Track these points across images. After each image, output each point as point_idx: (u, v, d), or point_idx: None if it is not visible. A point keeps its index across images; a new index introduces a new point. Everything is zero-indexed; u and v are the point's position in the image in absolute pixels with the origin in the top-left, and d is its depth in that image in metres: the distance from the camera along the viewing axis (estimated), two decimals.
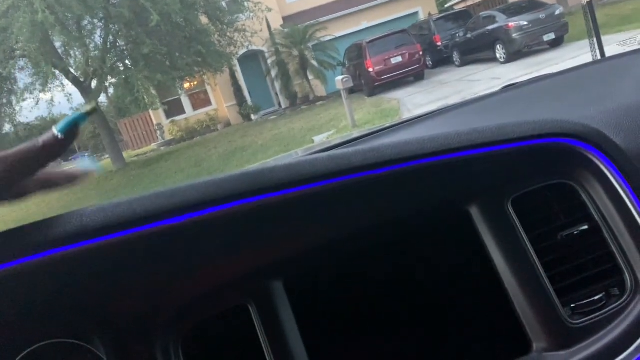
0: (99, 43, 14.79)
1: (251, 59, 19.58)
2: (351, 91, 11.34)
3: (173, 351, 0.75)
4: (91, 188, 13.72)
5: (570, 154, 0.77)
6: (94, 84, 15.18)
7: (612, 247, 0.77)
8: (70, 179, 0.61)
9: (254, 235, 0.73)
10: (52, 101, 14.76)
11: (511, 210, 0.79)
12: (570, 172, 0.79)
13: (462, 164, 0.74)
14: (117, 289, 0.70)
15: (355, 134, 2.04)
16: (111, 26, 14.50)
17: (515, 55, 12.36)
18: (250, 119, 18.62)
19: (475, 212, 0.80)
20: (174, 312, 0.75)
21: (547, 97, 1.21)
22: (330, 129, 10.91)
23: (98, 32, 14.81)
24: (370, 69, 14.64)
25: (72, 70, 14.91)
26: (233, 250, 0.73)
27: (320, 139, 9.93)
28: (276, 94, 20.02)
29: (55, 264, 0.61)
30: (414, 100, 11.44)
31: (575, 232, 0.77)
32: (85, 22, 14.37)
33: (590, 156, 0.76)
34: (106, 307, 0.72)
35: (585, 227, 0.77)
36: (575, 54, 9.91)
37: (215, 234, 0.69)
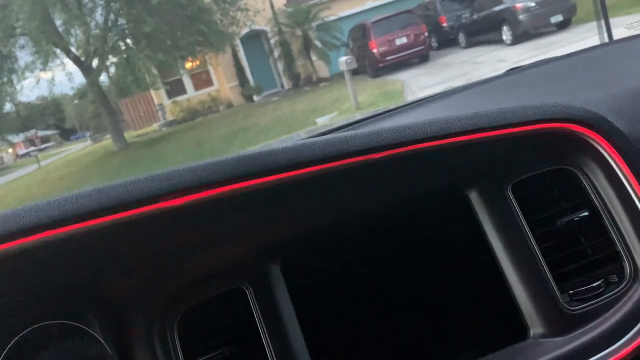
0: (100, 21, 14.67)
1: (254, 39, 19.40)
2: (355, 72, 11.23)
3: (169, 333, 0.75)
4: (93, 169, 13.76)
5: (572, 139, 0.76)
6: (94, 63, 15.10)
7: (612, 233, 0.76)
8: None
9: (252, 218, 0.72)
10: (53, 80, 14.74)
11: (511, 196, 0.78)
12: (572, 158, 0.78)
13: (463, 148, 0.73)
14: (113, 271, 0.70)
15: (358, 116, 2.02)
16: (112, 4, 14.37)
17: (521, 37, 12.20)
18: (252, 100, 18.51)
19: (474, 196, 0.80)
20: (170, 295, 0.75)
21: (552, 80, 1.20)
22: (333, 111, 10.86)
23: (99, 10, 14.69)
24: (375, 50, 14.50)
25: (73, 49, 14.82)
26: (230, 233, 0.73)
27: (323, 121, 9.89)
28: (279, 74, 19.88)
29: (52, 245, 0.60)
30: (419, 82, 11.36)
31: (575, 219, 0.77)
32: (86, 0, 14.24)
33: (593, 142, 0.75)
34: (103, 288, 0.72)
35: (586, 213, 0.77)
36: (583, 37, 9.78)
37: (212, 217, 0.69)
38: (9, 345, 0.68)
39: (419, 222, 0.81)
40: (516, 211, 0.78)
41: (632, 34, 1.46)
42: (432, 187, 0.80)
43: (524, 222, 0.77)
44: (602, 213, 0.77)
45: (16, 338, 0.68)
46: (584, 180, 0.78)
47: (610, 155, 0.74)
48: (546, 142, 0.77)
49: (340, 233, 0.80)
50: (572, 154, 0.78)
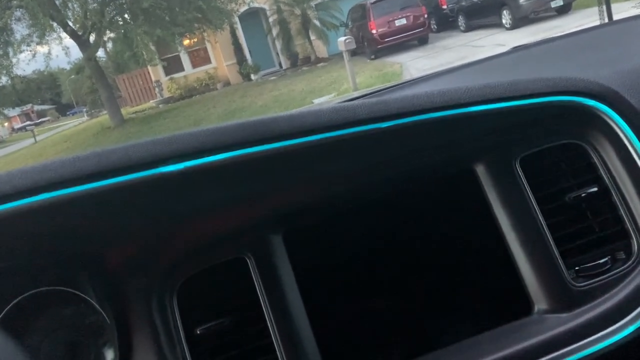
0: None
1: (252, 17, 19.16)
2: (353, 53, 11.12)
3: (168, 302, 0.74)
4: (90, 144, 13.68)
5: (583, 113, 0.74)
6: (92, 38, 14.89)
7: (621, 210, 0.75)
8: None
9: (254, 186, 0.70)
10: (50, 54, 14.53)
11: (519, 170, 0.77)
12: (582, 132, 0.77)
13: (471, 120, 0.72)
14: (111, 237, 0.68)
15: (356, 94, 2.00)
16: None
17: (521, 21, 12.10)
18: (250, 79, 18.34)
19: (481, 170, 0.78)
20: (170, 263, 0.74)
21: (558, 58, 1.18)
22: (331, 92, 10.78)
23: None
24: (374, 31, 14.35)
25: (70, 23, 14.60)
26: (232, 201, 0.71)
27: (321, 102, 9.83)
28: (277, 53, 19.69)
29: (48, 209, 0.59)
30: (417, 65, 11.28)
31: (584, 194, 0.76)
32: None
33: (604, 116, 0.73)
34: (100, 255, 0.70)
35: (594, 189, 0.76)
36: (583, 22, 9.71)
37: (213, 184, 0.67)
38: (4, 311, 0.66)
39: (425, 194, 0.80)
40: (524, 186, 0.76)
41: (635, 14, 1.44)
42: (439, 160, 0.78)
43: (531, 197, 0.76)
44: (611, 189, 0.76)
45: (12, 304, 0.67)
46: (593, 156, 0.77)
47: (622, 131, 0.73)
48: (557, 115, 0.75)
49: (344, 204, 0.78)
50: (583, 128, 0.76)
